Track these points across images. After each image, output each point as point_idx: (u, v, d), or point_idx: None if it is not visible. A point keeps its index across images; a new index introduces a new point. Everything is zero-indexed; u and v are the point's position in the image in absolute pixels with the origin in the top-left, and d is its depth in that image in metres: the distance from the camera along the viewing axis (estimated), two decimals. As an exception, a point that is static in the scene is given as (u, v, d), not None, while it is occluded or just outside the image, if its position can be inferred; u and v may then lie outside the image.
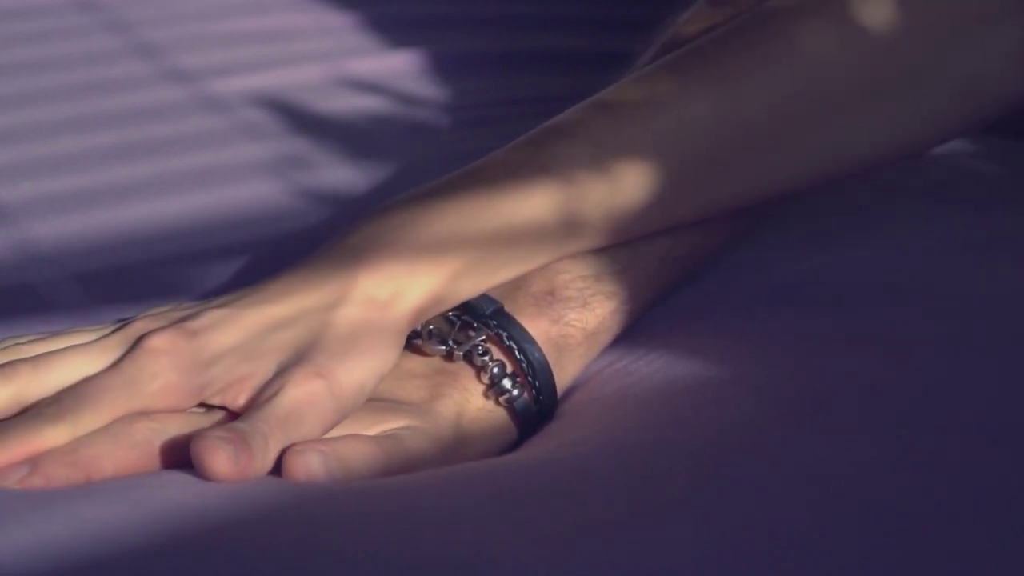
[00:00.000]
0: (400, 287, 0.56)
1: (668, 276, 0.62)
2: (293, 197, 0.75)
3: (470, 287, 0.58)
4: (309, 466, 0.51)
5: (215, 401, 0.54)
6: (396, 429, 0.55)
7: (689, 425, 0.53)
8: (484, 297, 0.59)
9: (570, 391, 0.60)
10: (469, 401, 0.58)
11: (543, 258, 0.60)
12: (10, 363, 0.54)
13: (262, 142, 0.82)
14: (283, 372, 0.54)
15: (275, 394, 0.53)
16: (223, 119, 0.84)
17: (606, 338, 0.61)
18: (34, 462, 0.50)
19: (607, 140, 0.60)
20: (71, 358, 0.54)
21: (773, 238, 0.67)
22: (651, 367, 0.59)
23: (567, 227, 0.59)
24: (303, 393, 0.53)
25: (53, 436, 0.51)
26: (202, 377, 0.54)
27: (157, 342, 0.54)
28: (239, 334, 0.55)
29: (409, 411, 0.56)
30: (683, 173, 0.60)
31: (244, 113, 0.85)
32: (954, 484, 0.48)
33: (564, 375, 0.60)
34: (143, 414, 0.53)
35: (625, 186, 0.59)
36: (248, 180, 0.77)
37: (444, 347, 0.58)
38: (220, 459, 0.50)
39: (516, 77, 0.91)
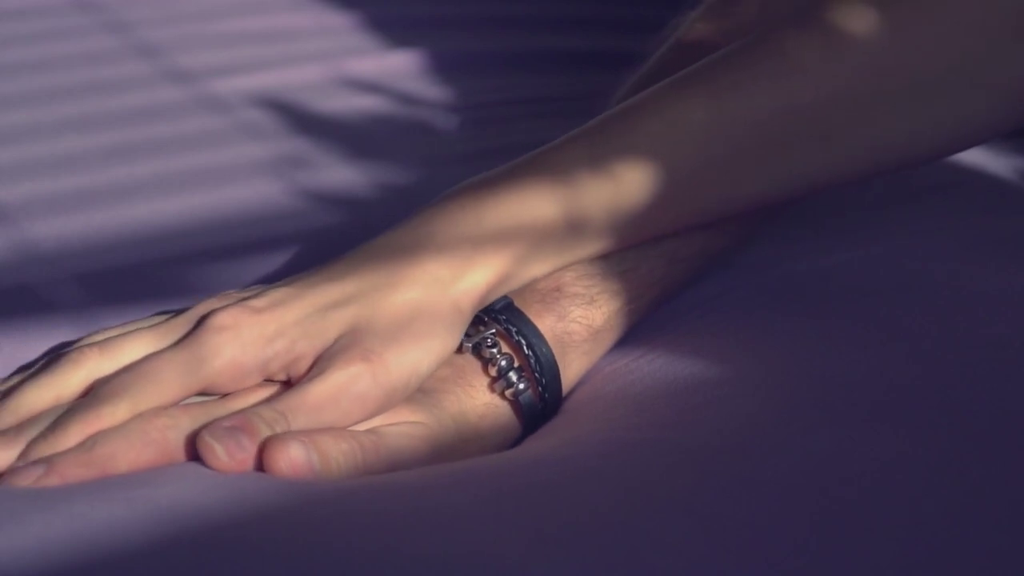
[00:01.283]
0: (466, 267, 0.57)
1: (675, 277, 0.63)
2: (293, 197, 0.75)
3: (536, 268, 0.59)
4: (290, 454, 0.52)
5: (279, 377, 0.55)
6: (389, 425, 0.55)
7: (689, 425, 0.53)
8: None
9: (572, 389, 0.60)
10: (473, 397, 0.58)
11: (599, 246, 0.60)
12: (78, 348, 0.55)
13: (262, 142, 0.81)
14: (332, 353, 0.54)
15: (316, 376, 0.54)
16: (223, 119, 0.84)
17: (611, 337, 0.61)
18: (50, 462, 0.51)
19: (613, 145, 0.60)
20: (137, 339, 0.55)
21: (774, 238, 0.67)
22: (652, 366, 0.59)
23: (573, 227, 0.59)
24: (344, 377, 0.54)
25: (111, 414, 0.52)
26: (265, 352, 0.54)
27: (220, 319, 0.54)
28: (300, 311, 0.55)
29: (410, 404, 0.56)
30: (693, 177, 0.60)
31: (244, 113, 0.85)
32: (957, 484, 0.48)
33: (569, 372, 0.60)
34: (159, 410, 0.53)
35: (628, 189, 0.59)
36: (248, 180, 0.77)
37: None
38: (214, 457, 0.51)
39: (516, 77, 0.91)
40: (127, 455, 0.51)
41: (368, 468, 0.53)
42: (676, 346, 0.60)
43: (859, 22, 0.61)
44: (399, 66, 0.91)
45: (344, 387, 0.54)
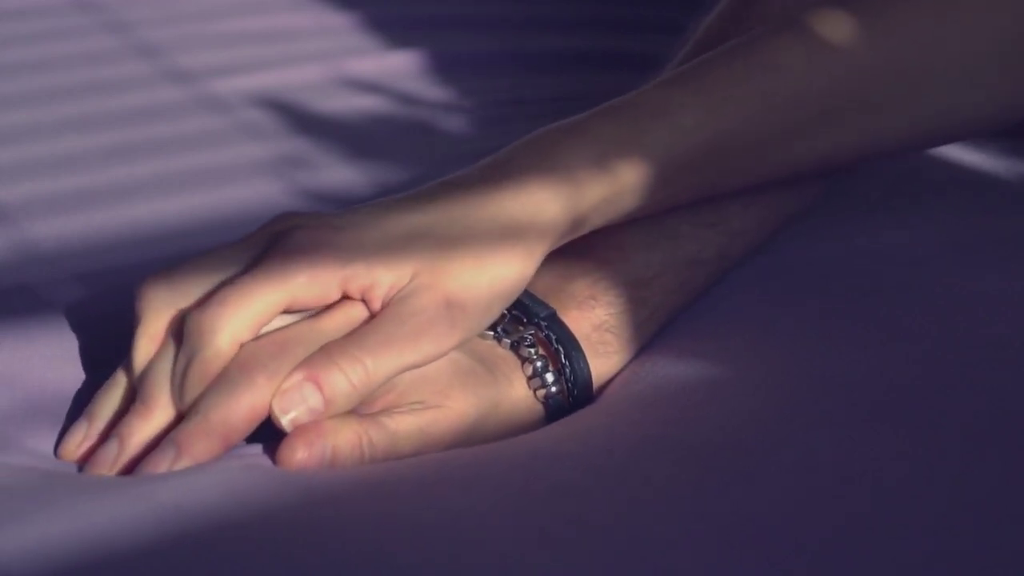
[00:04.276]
0: (544, 207, 0.57)
1: (696, 281, 0.63)
2: (293, 197, 0.75)
3: (602, 216, 0.59)
4: (312, 451, 0.52)
5: (356, 297, 0.55)
6: (407, 410, 0.55)
7: (692, 421, 0.54)
8: (538, 301, 0.59)
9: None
10: (502, 392, 0.58)
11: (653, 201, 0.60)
12: (148, 285, 0.55)
13: (262, 142, 0.82)
14: (411, 291, 0.54)
15: (395, 316, 0.54)
16: (223, 119, 0.84)
17: (638, 345, 0.61)
18: (176, 442, 0.51)
19: (617, 140, 0.60)
20: (210, 267, 0.55)
21: (775, 239, 0.67)
22: (655, 365, 0.59)
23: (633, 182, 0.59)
24: (424, 320, 0.54)
25: (216, 356, 0.52)
26: (344, 271, 0.54)
27: (299, 234, 0.54)
28: (380, 234, 0.55)
29: (464, 387, 0.56)
30: (685, 168, 0.60)
31: (244, 113, 0.85)
32: (957, 484, 0.48)
33: (596, 380, 0.60)
34: (251, 357, 0.53)
35: (625, 180, 0.59)
36: (248, 180, 0.77)
37: (492, 333, 0.58)
38: (281, 427, 0.52)
39: (517, 77, 0.91)
40: (241, 413, 0.52)
41: (373, 461, 0.54)
42: (678, 345, 0.60)
43: (859, 22, 0.61)
44: (399, 66, 0.92)
45: (423, 330, 0.54)
